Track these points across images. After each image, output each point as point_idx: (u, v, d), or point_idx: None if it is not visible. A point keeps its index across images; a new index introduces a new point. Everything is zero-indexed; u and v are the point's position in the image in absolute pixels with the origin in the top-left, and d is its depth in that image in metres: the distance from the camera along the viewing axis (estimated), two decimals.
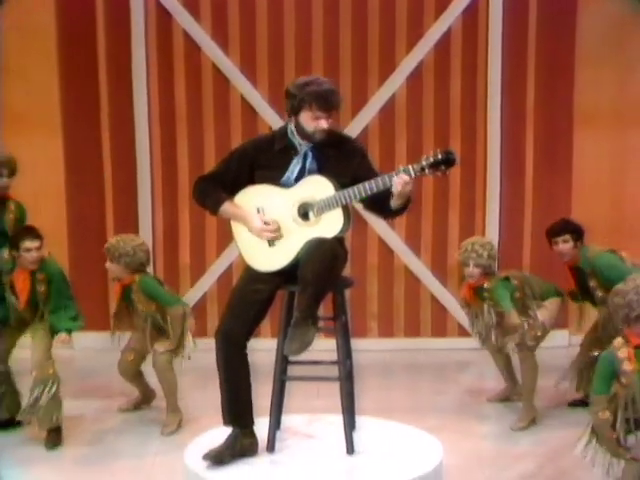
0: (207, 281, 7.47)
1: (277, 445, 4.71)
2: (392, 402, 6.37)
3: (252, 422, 4.66)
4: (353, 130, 6.97)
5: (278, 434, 4.75)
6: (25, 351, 5.69)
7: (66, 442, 5.64)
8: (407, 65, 7.27)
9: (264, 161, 4.58)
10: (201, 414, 5.84)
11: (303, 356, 4.53)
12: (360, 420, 4.94)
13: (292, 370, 4.75)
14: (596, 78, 7.25)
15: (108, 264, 5.88)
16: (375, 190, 4.40)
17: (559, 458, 5.38)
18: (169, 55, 7.27)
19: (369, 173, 4.52)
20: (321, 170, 4.53)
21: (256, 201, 4.60)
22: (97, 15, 7.18)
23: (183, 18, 7.21)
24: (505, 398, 6.30)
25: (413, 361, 7.27)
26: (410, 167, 4.38)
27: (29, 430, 5.69)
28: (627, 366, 4.42)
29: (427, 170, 4.38)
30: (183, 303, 5.95)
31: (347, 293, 4.84)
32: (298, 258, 4.49)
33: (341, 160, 4.55)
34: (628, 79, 7.35)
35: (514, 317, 5.78)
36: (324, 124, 4.47)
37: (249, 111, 7.29)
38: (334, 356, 4.67)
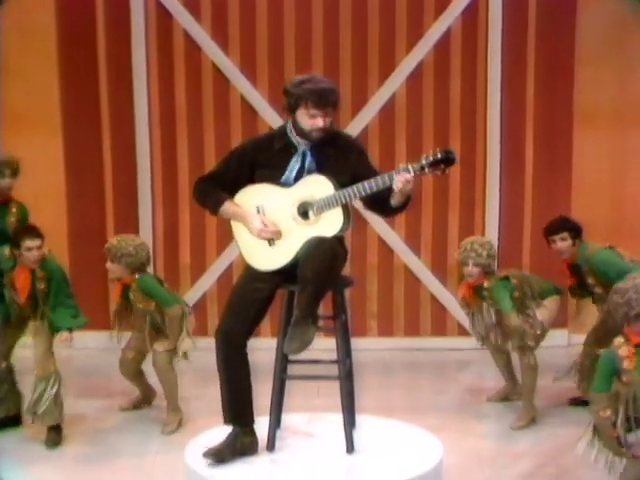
0: (207, 281, 7.48)
1: (277, 444, 4.72)
2: (392, 401, 6.38)
3: (252, 421, 4.67)
4: (353, 130, 6.97)
5: (278, 433, 4.76)
6: (26, 350, 5.70)
7: (66, 441, 5.66)
8: (407, 65, 7.27)
9: (264, 160, 4.58)
10: (201, 413, 5.85)
11: (303, 355, 4.53)
12: (360, 419, 4.94)
13: (292, 369, 4.76)
14: (596, 78, 7.25)
15: (109, 264, 5.89)
16: (375, 189, 4.41)
17: (559, 457, 5.39)
18: (169, 55, 7.27)
19: (368, 171, 4.53)
20: (320, 169, 4.53)
21: (256, 200, 4.61)
22: (97, 15, 7.18)
23: (183, 18, 7.21)
24: (505, 397, 6.31)
25: (413, 360, 7.27)
26: (410, 166, 4.38)
27: (29, 429, 5.71)
28: (628, 364, 4.43)
29: (427, 169, 4.39)
30: (182, 302, 5.96)
31: (347, 292, 4.85)
32: (298, 257, 4.49)
33: (339, 158, 4.55)
34: (628, 79, 7.35)
35: (513, 318, 5.79)
36: (320, 122, 4.46)
37: (249, 111, 7.30)
38: (334, 355, 4.68)
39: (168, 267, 7.42)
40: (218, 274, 7.46)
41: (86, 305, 5.83)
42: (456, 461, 5.17)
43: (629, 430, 4.48)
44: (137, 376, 6.13)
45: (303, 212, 4.53)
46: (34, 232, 5.56)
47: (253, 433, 4.67)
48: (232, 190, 4.65)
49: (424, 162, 4.39)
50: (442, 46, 7.25)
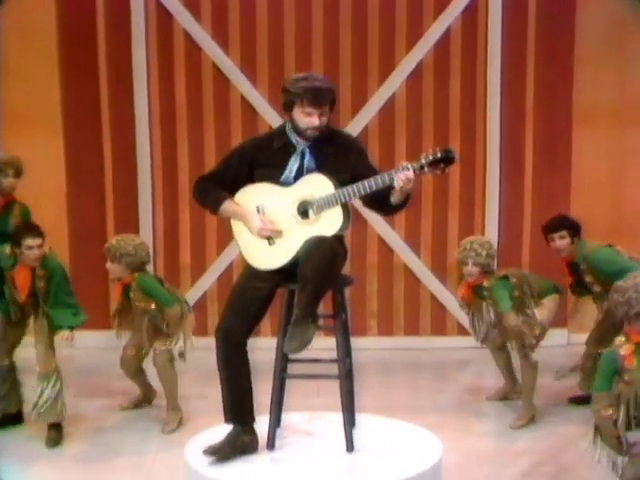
0: (207, 280, 7.49)
1: (277, 442, 4.72)
2: (392, 400, 6.38)
3: (253, 419, 4.67)
4: (353, 130, 6.98)
5: (278, 432, 4.76)
6: (29, 350, 5.71)
7: (67, 440, 5.67)
8: (407, 65, 7.28)
9: (263, 160, 4.58)
10: (202, 412, 5.86)
11: (303, 354, 4.53)
12: (360, 418, 4.94)
13: (292, 368, 4.76)
14: (595, 77, 7.26)
15: (109, 264, 5.90)
16: (375, 188, 4.41)
17: (559, 455, 5.40)
18: (170, 55, 7.28)
19: (368, 170, 4.53)
20: (320, 168, 4.53)
21: (256, 200, 4.61)
22: (98, 15, 7.19)
23: (184, 18, 7.22)
24: (504, 396, 6.32)
25: (413, 359, 7.28)
26: (409, 165, 4.39)
27: (30, 428, 5.72)
28: (629, 363, 4.44)
29: (426, 168, 4.39)
30: (182, 301, 5.96)
31: (347, 291, 4.85)
32: (298, 256, 4.50)
33: (339, 157, 4.56)
34: (627, 79, 7.36)
35: (511, 318, 5.79)
36: (315, 121, 4.46)
37: (249, 111, 7.31)
38: (334, 354, 4.68)
39: (168, 267, 7.43)
40: (218, 274, 7.47)
41: (86, 305, 5.84)
42: (456, 460, 5.18)
43: (629, 429, 4.50)
44: (138, 374, 6.13)
45: (303, 211, 4.53)
46: (35, 231, 5.57)
47: (253, 432, 4.68)
48: (232, 189, 4.65)
49: (424, 161, 4.39)
50: (442, 46, 7.27)
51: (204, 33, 7.24)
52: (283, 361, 4.71)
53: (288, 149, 4.57)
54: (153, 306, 5.83)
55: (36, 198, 6.49)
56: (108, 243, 5.93)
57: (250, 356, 4.61)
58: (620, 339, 4.51)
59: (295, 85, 4.47)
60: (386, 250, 7.49)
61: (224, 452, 4.57)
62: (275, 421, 4.74)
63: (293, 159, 4.56)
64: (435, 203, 7.39)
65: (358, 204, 4.77)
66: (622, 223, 7.38)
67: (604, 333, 5.75)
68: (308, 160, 4.55)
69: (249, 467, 4.56)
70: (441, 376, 6.93)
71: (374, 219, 7.20)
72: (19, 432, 5.75)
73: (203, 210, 4.83)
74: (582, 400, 5.84)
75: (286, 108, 4.54)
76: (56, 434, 5.62)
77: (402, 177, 4.35)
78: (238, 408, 4.64)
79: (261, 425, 4.68)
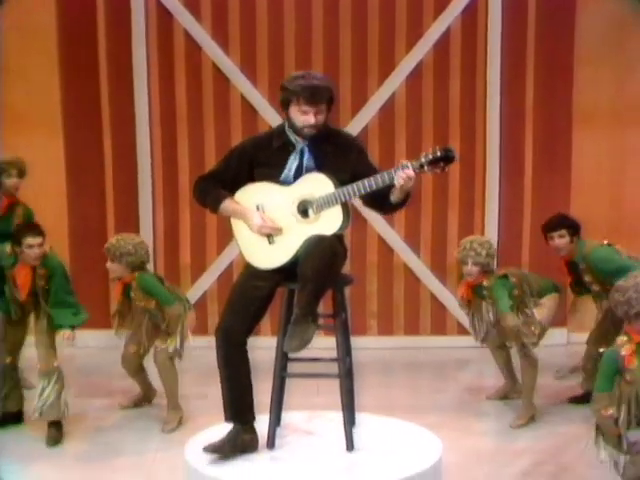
0: (207, 280, 7.50)
1: (277, 442, 4.72)
2: (392, 399, 6.39)
3: (253, 418, 4.67)
4: (353, 129, 6.98)
5: (278, 431, 4.76)
6: (31, 349, 5.72)
7: (67, 439, 5.68)
8: (406, 65, 7.28)
9: (263, 159, 4.58)
10: (202, 411, 5.87)
11: (303, 353, 4.53)
12: (360, 417, 4.94)
13: (292, 367, 4.76)
14: (595, 77, 7.27)
15: (109, 264, 5.91)
16: (374, 187, 4.41)
17: (559, 455, 5.40)
18: (170, 55, 7.29)
19: (368, 170, 4.53)
20: (319, 167, 4.53)
21: (256, 199, 4.61)
22: (98, 15, 7.20)
23: (184, 18, 7.23)
24: (504, 396, 6.32)
25: (413, 359, 7.28)
26: (409, 163, 4.39)
27: (30, 427, 5.72)
28: (630, 363, 4.44)
29: (426, 167, 4.39)
30: (183, 300, 5.97)
31: (347, 291, 4.84)
32: (298, 255, 4.50)
33: (338, 156, 4.55)
34: (627, 79, 7.36)
35: (510, 318, 5.79)
36: (311, 119, 4.45)
37: (249, 110, 7.31)
38: (334, 353, 4.67)
39: (168, 266, 7.43)
40: (218, 273, 7.48)
41: (87, 304, 5.84)
42: (455, 459, 5.18)
43: (629, 427, 4.50)
44: (138, 372, 6.14)
45: (303, 210, 4.53)
46: (36, 229, 5.58)
47: (253, 430, 4.67)
48: (232, 189, 4.65)
49: (424, 160, 4.39)
50: (442, 46, 7.27)
51: (204, 33, 7.24)
52: (283, 360, 4.71)
53: (287, 148, 4.56)
54: (153, 305, 5.85)
55: (36, 198, 6.50)
56: (108, 243, 5.94)
57: (250, 355, 4.61)
58: (622, 339, 4.51)
59: (292, 83, 4.47)
60: (386, 249, 7.49)
61: (224, 451, 4.57)
62: (275, 420, 4.74)
63: (292, 158, 4.56)
64: (435, 203, 7.40)
65: (358, 203, 4.77)
66: (622, 223, 7.38)
67: (604, 332, 5.76)
68: (307, 159, 4.55)
69: (249, 466, 4.56)
70: (441, 375, 6.94)
71: (374, 218, 7.20)
72: (19, 431, 5.75)
73: (203, 210, 4.84)
74: (582, 399, 5.85)
75: (283, 106, 4.54)
76: (56, 433, 5.63)
77: (402, 175, 4.35)
78: (238, 407, 4.64)
79: (261, 424, 4.68)
